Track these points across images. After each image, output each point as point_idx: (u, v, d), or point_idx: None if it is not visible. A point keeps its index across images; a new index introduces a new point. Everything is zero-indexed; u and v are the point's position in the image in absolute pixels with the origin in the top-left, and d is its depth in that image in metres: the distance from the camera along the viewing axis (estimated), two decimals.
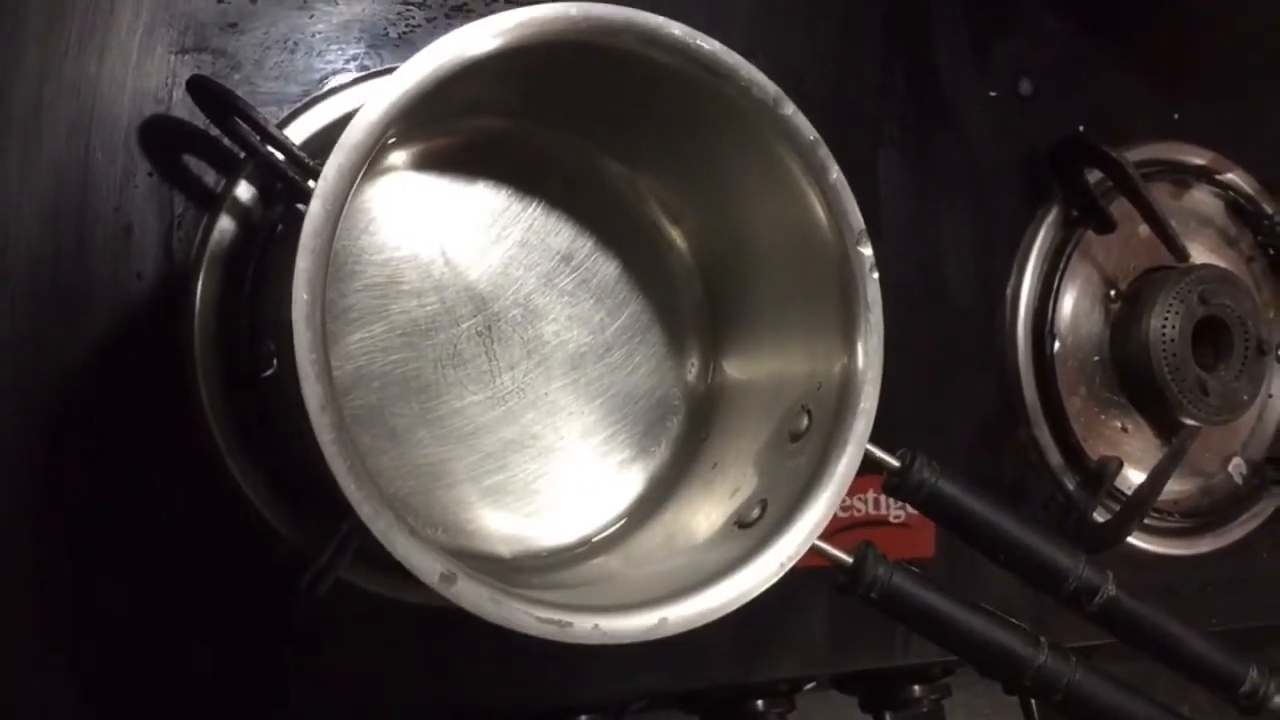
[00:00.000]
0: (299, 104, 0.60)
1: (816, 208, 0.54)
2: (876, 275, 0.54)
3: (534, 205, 0.61)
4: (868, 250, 0.54)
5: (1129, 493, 0.77)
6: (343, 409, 0.54)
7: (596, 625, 0.47)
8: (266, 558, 0.57)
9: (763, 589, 0.50)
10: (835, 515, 0.70)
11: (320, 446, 0.43)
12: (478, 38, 0.47)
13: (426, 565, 0.45)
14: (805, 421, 0.55)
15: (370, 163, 0.56)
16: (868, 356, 0.53)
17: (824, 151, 0.53)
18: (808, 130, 0.53)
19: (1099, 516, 0.76)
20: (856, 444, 0.53)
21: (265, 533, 0.56)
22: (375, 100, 0.45)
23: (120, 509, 0.55)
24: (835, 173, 0.53)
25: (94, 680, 0.55)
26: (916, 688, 0.74)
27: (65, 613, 0.54)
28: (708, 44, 0.52)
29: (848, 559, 0.53)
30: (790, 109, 0.53)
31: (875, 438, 0.55)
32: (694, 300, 0.64)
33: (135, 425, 0.56)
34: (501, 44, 0.47)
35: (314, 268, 0.44)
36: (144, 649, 0.55)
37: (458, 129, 0.58)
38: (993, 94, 0.79)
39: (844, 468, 0.52)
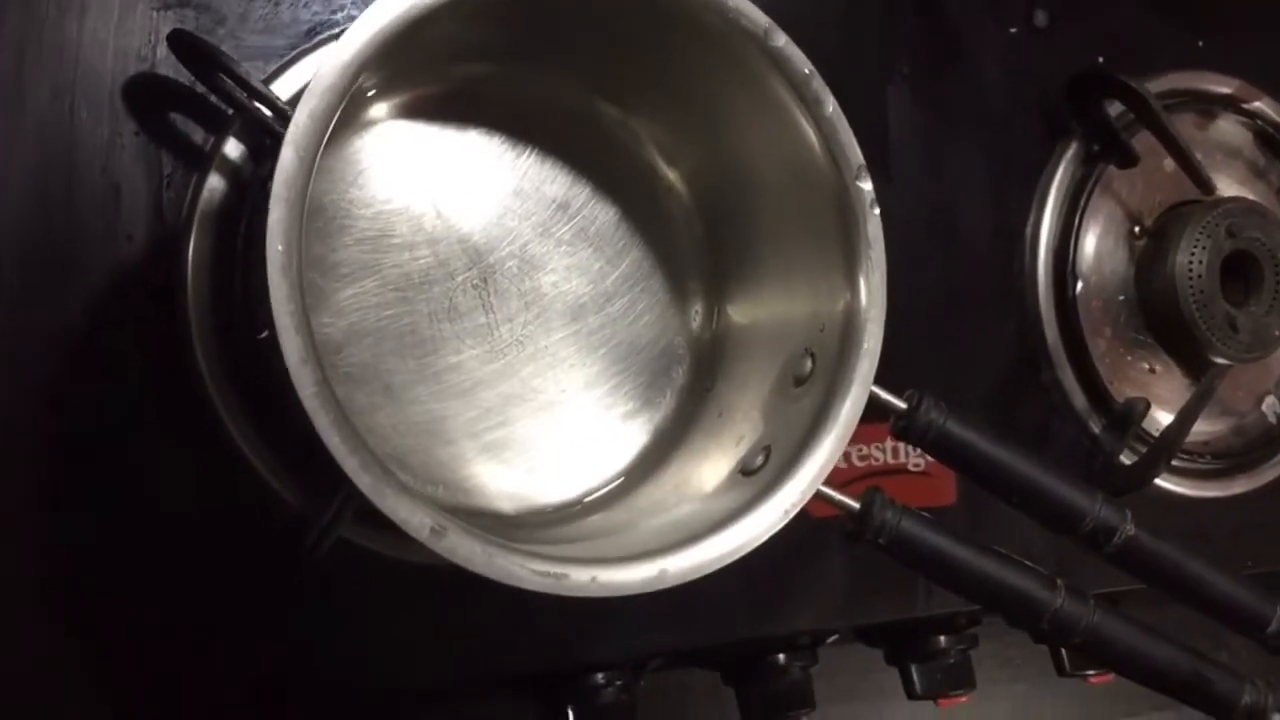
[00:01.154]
0: (286, 57, 0.59)
1: (813, 143, 0.53)
2: (877, 211, 0.52)
3: (527, 153, 0.59)
4: (867, 185, 0.52)
5: (1157, 434, 0.75)
6: (324, 363, 0.53)
7: (594, 577, 0.46)
8: (269, 520, 0.56)
9: (765, 537, 0.49)
10: (851, 464, 0.70)
11: (302, 401, 0.42)
12: None
13: (416, 519, 0.43)
14: (809, 365, 0.54)
15: (356, 113, 0.55)
16: (870, 295, 0.52)
17: (819, 84, 0.51)
18: (801, 62, 0.51)
19: (1126, 459, 0.74)
20: (861, 385, 0.51)
21: (267, 495, 0.56)
22: (345, 40, 0.44)
23: (117, 476, 0.55)
24: (831, 105, 0.52)
25: (96, 651, 0.54)
26: (942, 639, 0.73)
27: (64, 582, 0.54)
28: None
29: (854, 504, 0.52)
30: (782, 40, 0.51)
31: (889, 385, 0.53)
32: (695, 244, 0.62)
33: (131, 390, 0.55)
34: None
35: (288, 218, 0.42)
36: (146, 617, 0.55)
37: (444, 76, 0.57)
38: (1007, 28, 0.77)
39: (848, 410, 0.51)
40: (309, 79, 0.55)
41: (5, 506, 0.53)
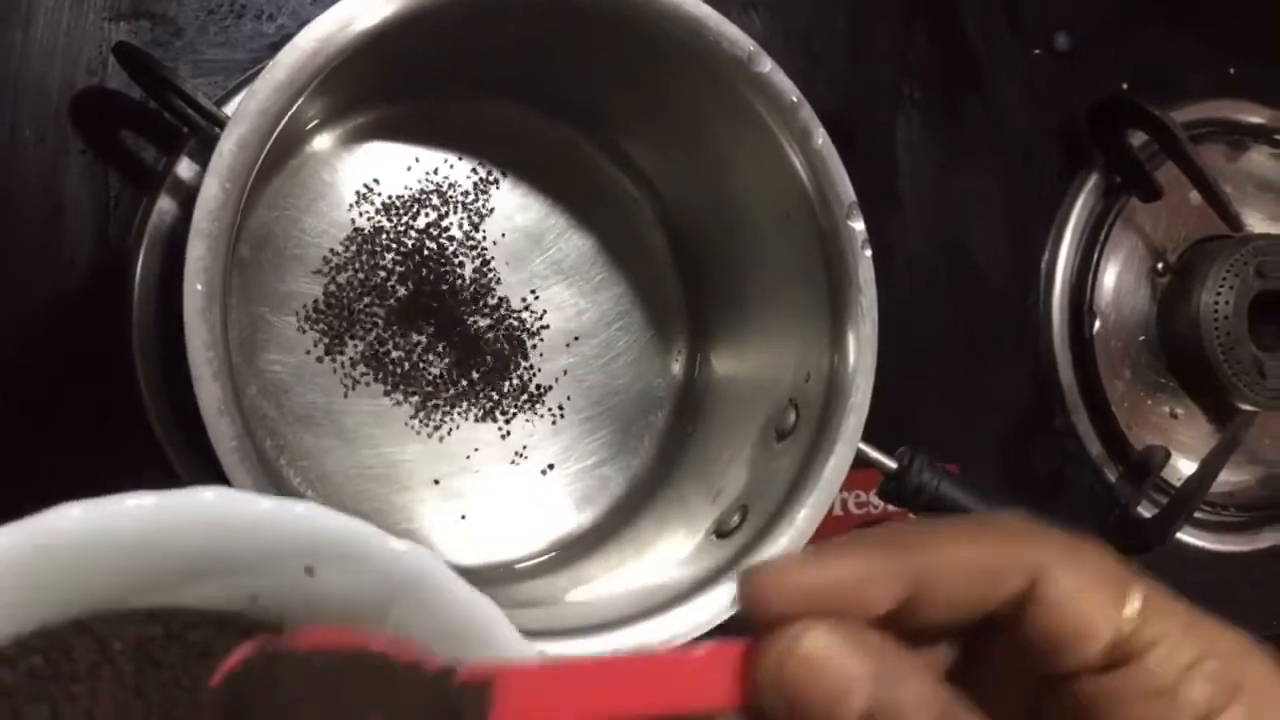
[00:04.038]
0: (249, 72, 0.55)
1: (802, 178, 0.48)
2: (869, 253, 0.48)
3: (497, 180, 0.55)
4: (859, 225, 0.48)
5: (1178, 484, 0.71)
6: (272, 405, 0.50)
7: (540, 653, 0.41)
8: None
9: (730, 614, 0.44)
10: (848, 512, 0.65)
11: (219, 457, 0.39)
12: None
13: None
14: (793, 418, 0.50)
15: (309, 136, 0.52)
16: (859, 346, 0.48)
17: (807, 113, 0.47)
18: (788, 90, 0.47)
19: (1144, 511, 0.71)
20: (846, 444, 0.47)
21: None
22: (279, 60, 0.40)
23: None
24: (821, 137, 0.47)
25: None
26: None
27: None
28: None
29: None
30: (767, 66, 0.47)
31: (886, 430, 0.50)
32: (679, 283, 0.58)
33: (73, 423, 0.52)
34: None
35: (210, 255, 0.39)
36: None
37: (405, 97, 0.53)
38: (1026, 51, 0.73)
39: (831, 471, 0.46)
40: None
41: None
